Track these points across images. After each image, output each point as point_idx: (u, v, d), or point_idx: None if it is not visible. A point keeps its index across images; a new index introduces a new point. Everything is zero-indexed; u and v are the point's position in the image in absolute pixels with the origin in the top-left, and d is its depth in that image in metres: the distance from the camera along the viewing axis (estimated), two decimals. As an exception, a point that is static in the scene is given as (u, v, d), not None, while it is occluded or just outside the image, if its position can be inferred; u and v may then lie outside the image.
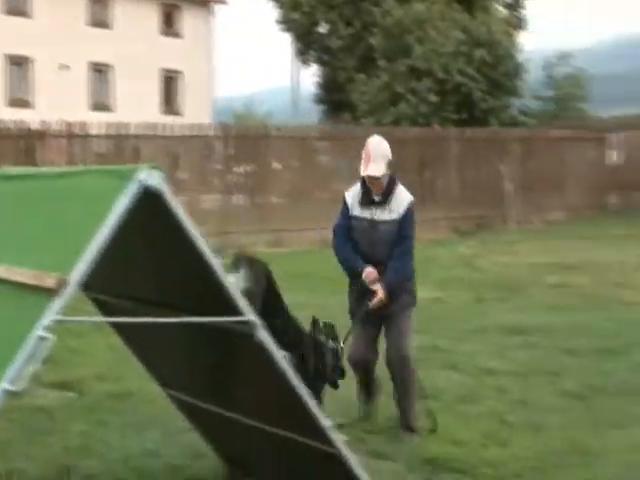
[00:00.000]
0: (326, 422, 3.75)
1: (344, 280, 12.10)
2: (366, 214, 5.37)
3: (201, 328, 3.65)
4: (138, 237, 3.47)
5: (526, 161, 20.83)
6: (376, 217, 5.34)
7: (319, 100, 31.70)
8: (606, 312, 9.27)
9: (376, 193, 5.35)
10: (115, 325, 4.44)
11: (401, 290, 5.38)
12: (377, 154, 5.30)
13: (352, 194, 5.48)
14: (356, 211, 5.41)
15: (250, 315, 3.53)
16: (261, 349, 3.58)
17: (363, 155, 5.35)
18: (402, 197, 5.39)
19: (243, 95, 55.26)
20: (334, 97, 29.81)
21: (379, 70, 25.30)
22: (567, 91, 28.32)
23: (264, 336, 3.56)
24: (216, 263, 3.44)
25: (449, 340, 7.95)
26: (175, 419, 5.01)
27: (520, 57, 25.80)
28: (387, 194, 5.34)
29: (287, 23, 30.97)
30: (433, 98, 23.48)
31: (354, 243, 5.42)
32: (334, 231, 5.59)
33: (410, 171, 18.85)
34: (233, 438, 4.46)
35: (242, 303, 3.52)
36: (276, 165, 17.52)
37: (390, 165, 5.34)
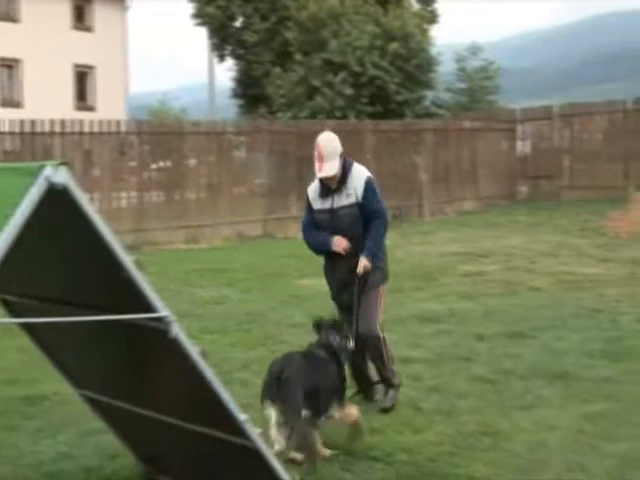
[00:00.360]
0: (241, 416, 3.78)
1: (263, 273, 12.15)
2: (326, 205, 5.63)
3: (114, 326, 3.62)
4: (46, 235, 3.42)
5: (440, 152, 21.25)
6: (335, 205, 5.59)
7: (236, 95, 31.52)
8: (516, 298, 9.55)
9: (332, 184, 5.58)
10: (25, 326, 4.36)
11: (375, 266, 5.68)
12: (328, 153, 5.50)
13: (313, 189, 5.75)
14: (317, 204, 5.68)
15: (164, 311, 3.53)
16: (176, 345, 3.58)
17: (315, 154, 5.54)
18: (357, 179, 5.61)
19: (158, 91, 54.47)
20: (251, 92, 29.69)
21: (295, 64, 25.35)
22: (478, 83, 28.98)
23: (178, 332, 3.56)
24: (127, 260, 3.43)
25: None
26: (90, 420, 4.94)
27: (433, 50, 26.26)
28: (342, 181, 5.57)
29: (202, 17, 30.65)
30: (348, 91, 23.66)
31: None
32: (302, 225, 5.89)
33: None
34: (149, 436, 4.44)
35: (156, 300, 3.51)
36: (192, 161, 17.38)
37: (342, 155, 5.56)
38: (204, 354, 3.71)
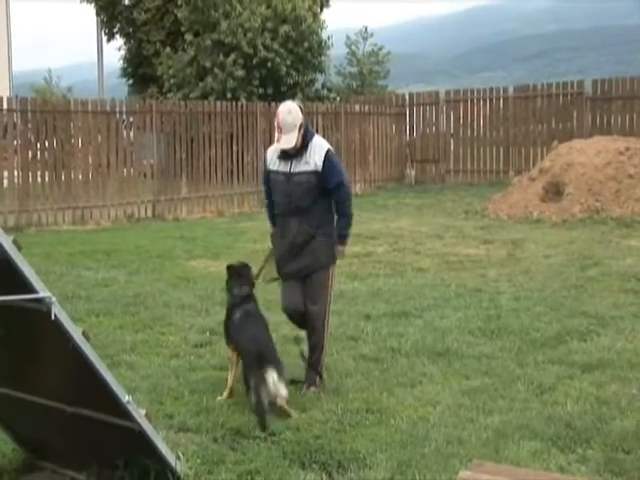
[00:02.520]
0: (125, 397, 3.75)
1: (152, 255, 11.95)
2: (284, 168, 5.65)
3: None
4: None
5: (330, 136, 21.42)
6: (293, 169, 5.62)
7: (125, 74, 30.76)
8: (402, 278, 9.78)
9: (290, 151, 5.61)
10: None
11: (327, 245, 5.75)
12: (287, 125, 5.53)
13: (272, 150, 5.78)
14: (275, 165, 5.70)
15: (44, 292, 3.46)
16: (57, 327, 3.52)
17: (275, 124, 5.60)
18: (317, 149, 5.65)
19: (44, 69, 52.46)
20: (141, 71, 29.03)
21: (186, 44, 24.96)
22: (368, 68, 29.33)
23: (59, 313, 3.50)
24: (6, 240, 3.35)
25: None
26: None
27: (324, 34, 26.38)
28: (302, 148, 5.60)
29: (90, -6, 29.66)
30: (240, 73, 23.51)
31: (274, 197, 5.77)
32: (263, 183, 5.99)
33: (219, 145, 18.88)
34: (30, 421, 4.34)
35: (36, 281, 3.44)
36: (79, 140, 16.89)
37: (303, 124, 5.60)
38: (87, 335, 3.66)
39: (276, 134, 5.60)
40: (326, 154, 5.63)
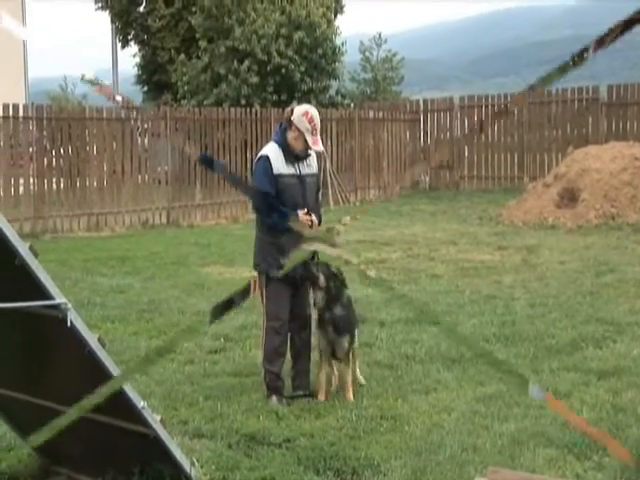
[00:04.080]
0: (140, 403, 3.76)
1: (166, 261, 11.96)
2: (292, 170, 5.65)
3: (7, 314, 3.55)
4: None
5: (345, 142, 21.46)
6: (302, 172, 5.68)
7: (140, 81, 30.93)
8: (416, 284, 9.76)
9: (299, 151, 5.64)
10: None
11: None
12: (319, 127, 5.61)
13: (273, 155, 5.67)
14: (282, 169, 5.64)
15: (60, 298, 3.47)
16: (73, 333, 3.53)
17: (308, 127, 5.55)
18: (311, 153, 5.78)
19: (59, 77, 52.79)
20: (155, 78, 29.17)
21: (200, 51, 25.07)
22: (383, 74, 29.34)
23: (75, 319, 3.51)
24: (22, 247, 3.37)
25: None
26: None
27: (338, 40, 26.41)
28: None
29: (105, 1, 29.86)
30: (254, 79, 23.58)
31: (283, 200, 5.64)
32: (261, 197, 5.67)
33: (233, 152, 18.94)
34: (43, 426, 4.35)
35: (52, 287, 3.45)
36: (94, 147, 16.98)
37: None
38: (102, 342, 3.67)
39: (310, 138, 5.54)
40: (316, 157, 5.87)
